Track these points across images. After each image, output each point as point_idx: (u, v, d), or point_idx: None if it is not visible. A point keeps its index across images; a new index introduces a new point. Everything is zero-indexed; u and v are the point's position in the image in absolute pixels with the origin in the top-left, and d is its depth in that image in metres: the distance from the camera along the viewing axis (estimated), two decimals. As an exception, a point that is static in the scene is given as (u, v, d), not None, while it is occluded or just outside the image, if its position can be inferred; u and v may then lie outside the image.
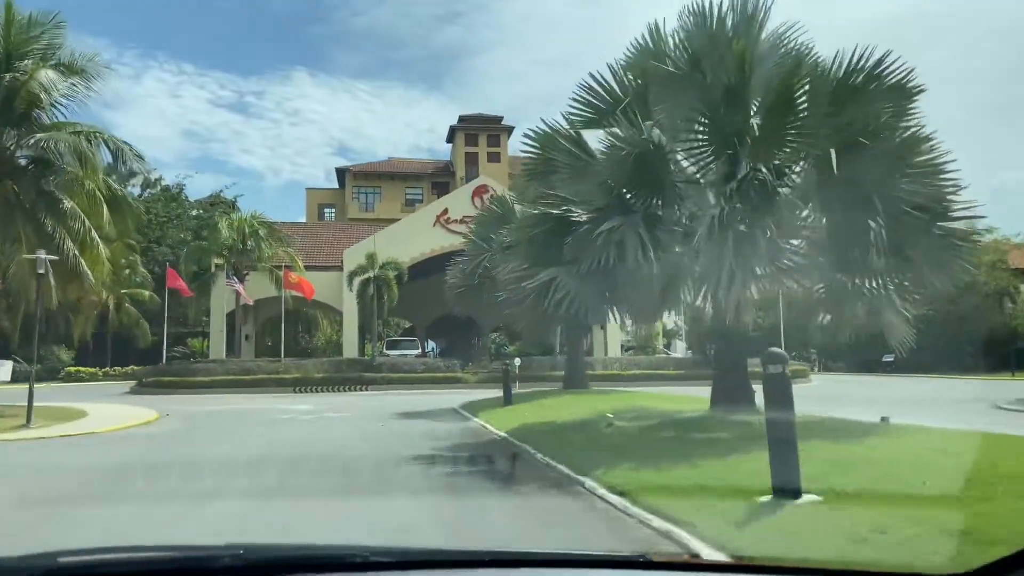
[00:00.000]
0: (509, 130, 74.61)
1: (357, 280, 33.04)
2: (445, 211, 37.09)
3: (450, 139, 77.04)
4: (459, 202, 37.25)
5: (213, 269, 33.67)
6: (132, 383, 32.81)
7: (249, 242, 33.70)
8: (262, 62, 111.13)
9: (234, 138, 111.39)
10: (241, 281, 34.27)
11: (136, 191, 61.86)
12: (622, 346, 40.73)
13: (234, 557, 1.78)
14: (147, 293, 45.89)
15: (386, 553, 1.89)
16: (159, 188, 59.95)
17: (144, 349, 46.26)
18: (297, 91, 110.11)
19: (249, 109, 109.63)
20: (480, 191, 37.23)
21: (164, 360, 33.50)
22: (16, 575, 1.76)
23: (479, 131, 74.47)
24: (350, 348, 36.23)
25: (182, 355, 45.35)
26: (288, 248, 35.19)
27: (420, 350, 35.53)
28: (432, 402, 23.52)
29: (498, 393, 27.53)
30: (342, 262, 36.54)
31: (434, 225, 37.07)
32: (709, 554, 4.60)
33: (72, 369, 40.35)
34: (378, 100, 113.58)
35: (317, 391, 30.98)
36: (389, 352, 34.90)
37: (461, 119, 74.57)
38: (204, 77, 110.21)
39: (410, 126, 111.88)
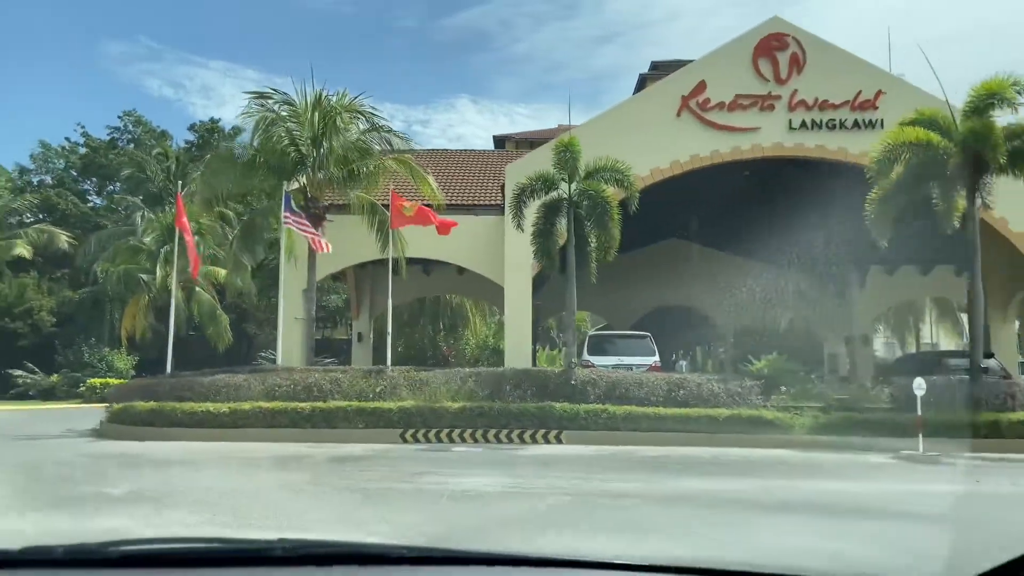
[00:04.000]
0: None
1: (533, 207, 15.90)
2: (699, 89, 19.08)
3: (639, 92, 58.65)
4: (727, 72, 19.12)
5: (284, 195, 17.35)
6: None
7: (329, 143, 17.50)
8: (428, 91, 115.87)
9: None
10: (319, 221, 18.16)
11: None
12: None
13: (286, 549, 1.86)
14: (223, 272, 31.39)
15: (426, 551, 1.98)
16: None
17: (225, 352, 31.87)
18: (460, 117, 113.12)
19: (415, 136, 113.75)
20: (770, 44, 19.01)
21: (170, 368, 17.83)
22: (67, 565, 1.80)
23: (677, 78, 55.65)
24: (518, 350, 19.04)
25: (269, 362, 30.32)
26: (406, 156, 18.78)
27: (655, 357, 17.74)
28: None
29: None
30: (502, 189, 19.70)
31: (679, 115, 19.23)
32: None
33: (98, 382, 26.11)
34: (535, 122, 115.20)
35: (446, 438, 14.01)
36: (592, 359, 17.37)
37: (654, 66, 56.52)
38: (376, 107, 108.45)
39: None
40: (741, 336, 33.32)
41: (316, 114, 17.83)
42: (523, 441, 13.96)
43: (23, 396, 27.20)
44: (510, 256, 18.89)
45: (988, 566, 1.82)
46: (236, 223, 29.06)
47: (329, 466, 11.05)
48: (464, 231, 19.84)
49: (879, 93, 18.77)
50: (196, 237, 32.00)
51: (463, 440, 14.02)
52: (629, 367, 16.92)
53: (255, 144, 18.01)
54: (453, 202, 21.15)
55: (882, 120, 18.53)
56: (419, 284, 27.99)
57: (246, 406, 14.47)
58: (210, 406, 14.49)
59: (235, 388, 15.29)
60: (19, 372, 28.05)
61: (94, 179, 45.96)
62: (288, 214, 16.96)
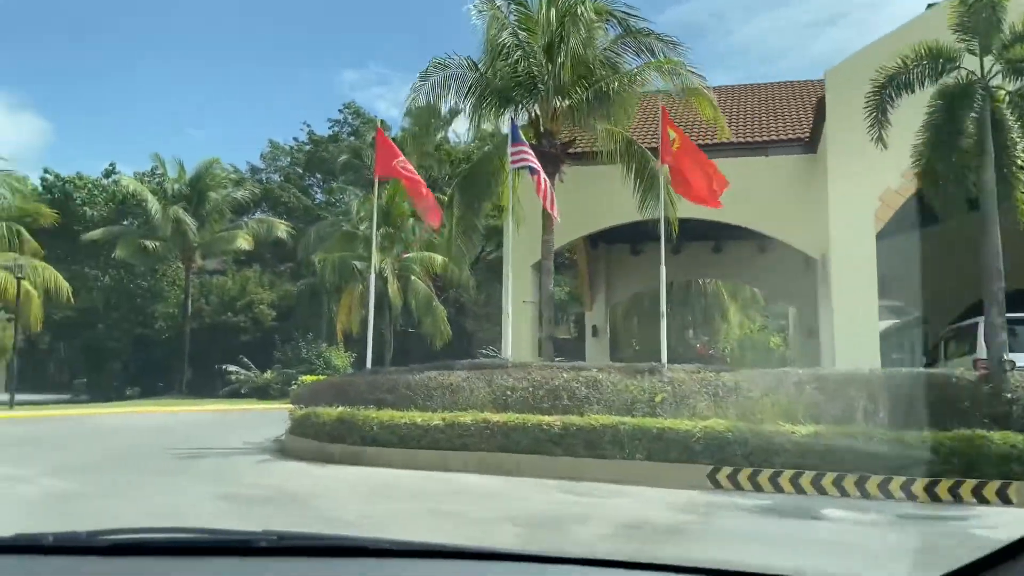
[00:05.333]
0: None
1: (901, 112, 9.62)
2: None
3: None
4: None
5: (511, 124, 12.38)
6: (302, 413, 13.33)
7: (567, 51, 12.44)
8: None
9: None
10: (557, 164, 13.20)
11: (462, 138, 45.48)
12: None
13: (270, 540, 1.85)
14: (439, 259, 27.88)
15: (410, 545, 1.93)
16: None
17: (443, 349, 28.35)
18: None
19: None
20: None
21: (369, 362, 13.58)
22: (56, 553, 1.82)
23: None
24: (855, 342, 12.64)
25: (493, 358, 26.16)
26: (678, 61, 13.24)
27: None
28: None
29: None
30: (817, 108, 13.51)
31: None
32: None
33: (310, 379, 23.36)
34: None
35: (788, 485, 8.21)
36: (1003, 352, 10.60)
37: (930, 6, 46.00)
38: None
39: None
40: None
41: (552, 12, 12.85)
42: (933, 498, 7.84)
43: (235, 394, 25.31)
44: (837, 199, 12.68)
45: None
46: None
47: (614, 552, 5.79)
48: (749, 179, 13.95)
49: None
50: (411, 220, 29.06)
51: (820, 491, 8.17)
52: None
53: (477, 63, 13.39)
54: (740, 139, 15.28)
55: None
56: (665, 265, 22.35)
57: (466, 418, 9.72)
58: (416, 416, 9.92)
59: (451, 390, 10.63)
60: (233, 368, 26.26)
61: (318, 175, 45.51)
62: (516, 148, 12.08)
